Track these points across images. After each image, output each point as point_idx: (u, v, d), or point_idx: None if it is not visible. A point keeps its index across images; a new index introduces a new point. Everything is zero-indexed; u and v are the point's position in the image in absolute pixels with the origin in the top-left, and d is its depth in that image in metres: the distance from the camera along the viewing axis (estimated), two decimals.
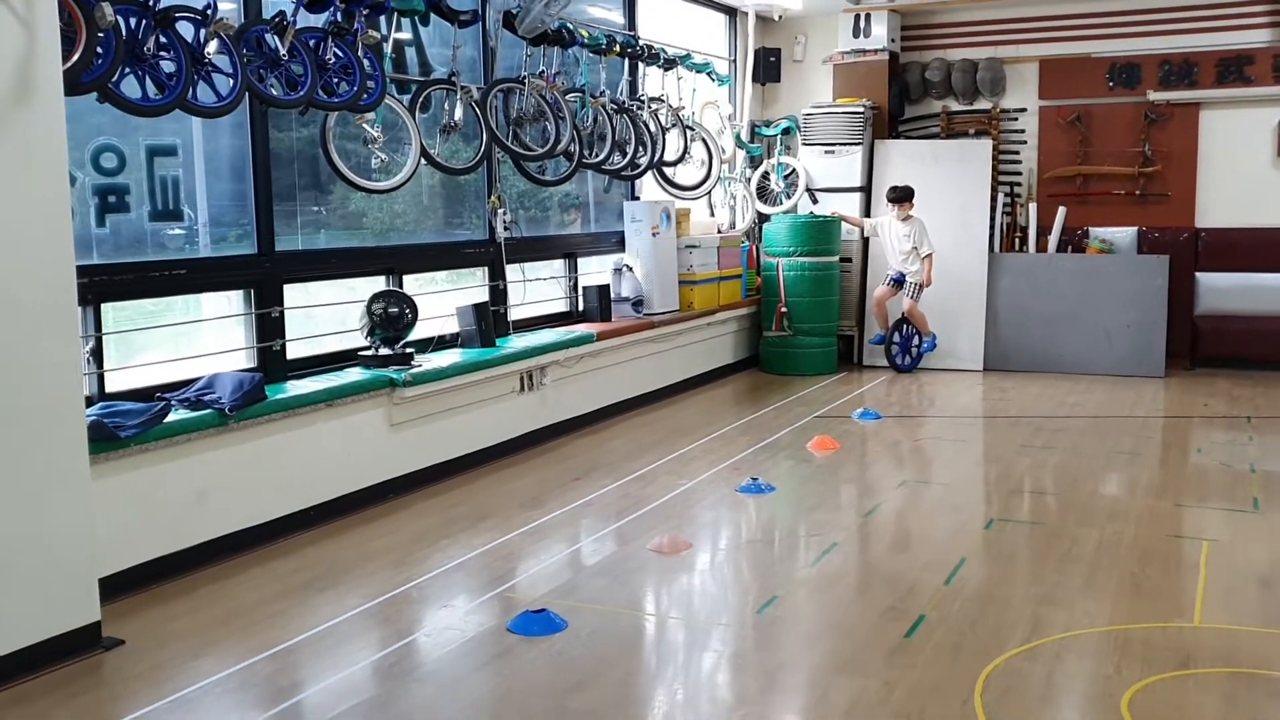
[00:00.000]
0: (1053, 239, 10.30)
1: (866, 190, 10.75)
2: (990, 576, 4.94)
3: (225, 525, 5.23)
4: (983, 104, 10.79)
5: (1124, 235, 10.27)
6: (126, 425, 4.70)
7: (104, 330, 5.07)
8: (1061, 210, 10.27)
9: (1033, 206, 10.48)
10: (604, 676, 3.91)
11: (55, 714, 3.68)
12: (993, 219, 10.44)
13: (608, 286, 8.72)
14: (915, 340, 10.22)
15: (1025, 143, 10.67)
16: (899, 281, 9.92)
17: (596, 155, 8.04)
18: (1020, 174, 10.70)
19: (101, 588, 4.32)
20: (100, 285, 5.00)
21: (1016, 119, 10.69)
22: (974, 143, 10.64)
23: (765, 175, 10.91)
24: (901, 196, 9.84)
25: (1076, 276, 10.18)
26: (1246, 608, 4.52)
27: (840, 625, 4.43)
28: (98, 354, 5.03)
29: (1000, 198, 10.57)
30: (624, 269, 8.89)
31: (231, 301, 5.92)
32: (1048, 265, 10.28)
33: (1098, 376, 9.85)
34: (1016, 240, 10.55)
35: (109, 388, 5.11)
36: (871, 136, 10.74)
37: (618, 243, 9.14)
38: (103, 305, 5.05)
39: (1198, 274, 10.19)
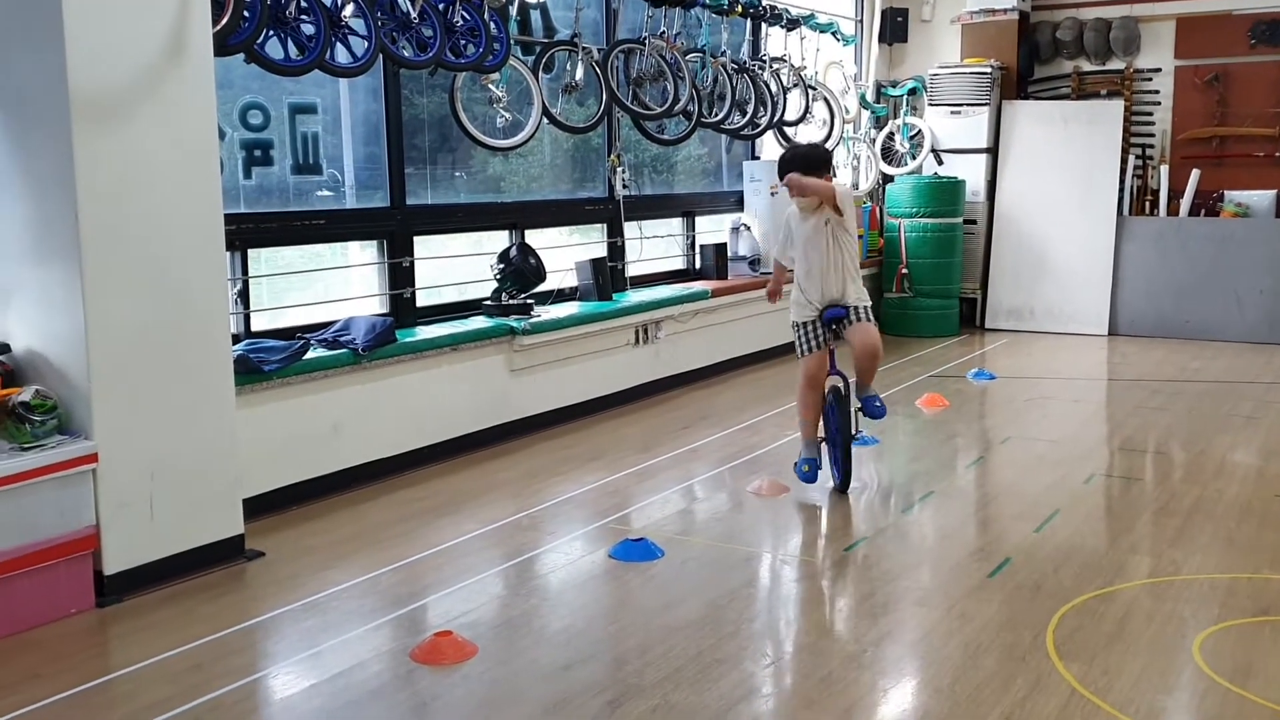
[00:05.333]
0: (1185, 202, 10.04)
1: (993, 152, 10.66)
2: (1081, 527, 5.01)
3: (357, 456, 5.67)
4: (1115, 64, 10.54)
5: (1262, 198, 9.93)
6: (270, 360, 5.16)
7: (249, 274, 5.54)
8: (1195, 172, 10.00)
9: (1165, 169, 10.22)
10: (692, 599, 4.18)
11: (202, 610, 4.14)
12: (1122, 182, 10.23)
13: (725, 245, 8.92)
14: (845, 414, 5.44)
15: (1159, 104, 10.39)
16: (836, 320, 5.36)
17: (716, 115, 8.22)
18: (1153, 136, 10.44)
19: (246, 507, 4.78)
20: (246, 233, 5.46)
21: (1150, 79, 10.41)
22: (1105, 104, 10.42)
23: (890, 136, 10.92)
24: (812, 164, 5.34)
25: (1209, 240, 9.93)
26: None
27: (925, 564, 4.60)
28: (244, 295, 5.51)
29: (1131, 160, 10.34)
30: (741, 228, 9.07)
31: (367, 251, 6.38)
32: (1179, 229, 10.05)
33: (1227, 343, 9.62)
34: (1147, 204, 10.32)
35: (256, 327, 5.60)
36: (999, 97, 10.62)
37: (736, 202, 9.33)
38: (249, 251, 5.52)
39: None
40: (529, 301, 6.79)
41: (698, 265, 8.88)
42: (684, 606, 4.11)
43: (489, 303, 6.72)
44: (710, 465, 6.09)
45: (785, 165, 5.44)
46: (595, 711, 3.32)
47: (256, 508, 5.00)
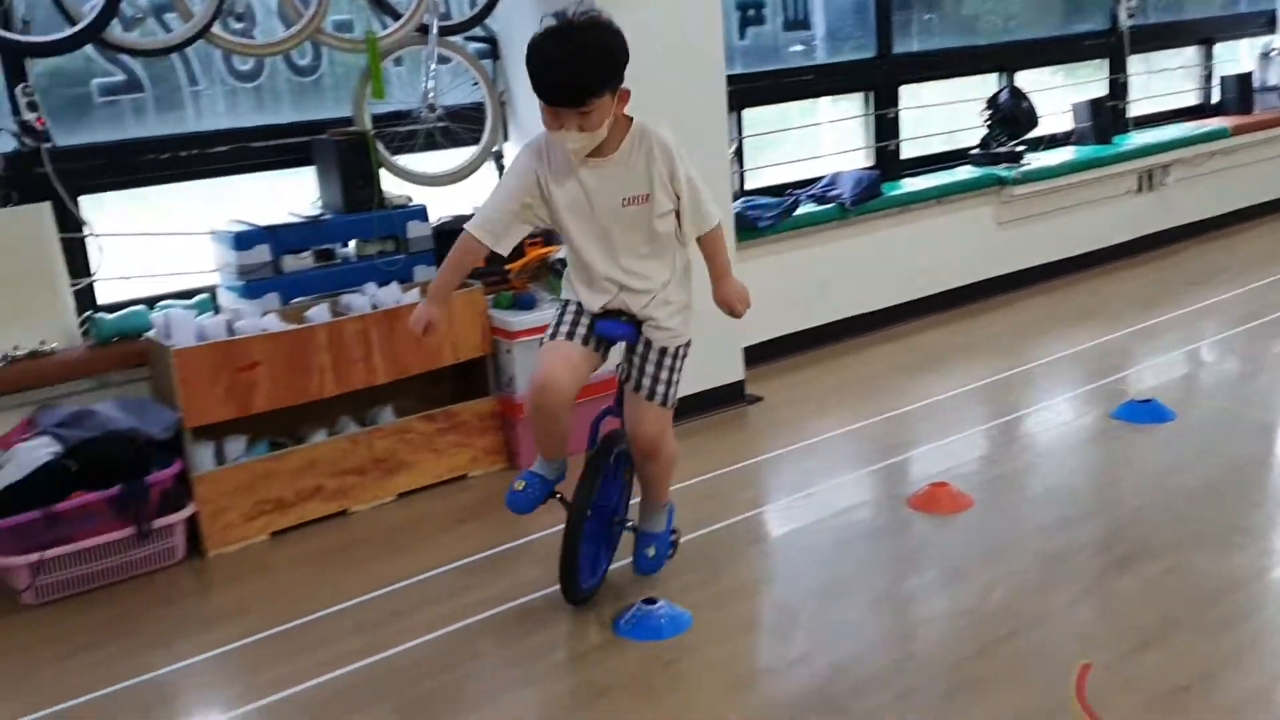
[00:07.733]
0: None
1: None
2: None
3: (844, 310, 5.81)
4: None
5: None
6: (764, 216, 5.38)
7: (743, 134, 5.76)
8: None
9: None
10: (1206, 465, 3.90)
11: (711, 446, 4.51)
12: None
13: (1249, 75, 7.89)
14: (629, 520, 3.39)
15: None
16: (610, 340, 3.15)
17: None
18: None
19: (745, 355, 5.10)
20: (741, 93, 5.65)
21: None
22: None
23: None
24: (603, 77, 2.70)
25: None
26: None
27: None
28: (739, 154, 5.75)
29: None
30: (1273, 54, 7.97)
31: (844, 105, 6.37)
32: None
33: None
34: None
35: (746, 185, 5.85)
36: None
37: (1266, 23, 8.18)
38: (742, 111, 5.72)
39: None
40: (1019, 149, 6.48)
41: (1215, 100, 7.95)
42: (1197, 471, 3.85)
43: (976, 152, 6.50)
44: (1225, 325, 5.56)
45: (545, 83, 2.72)
46: (1100, 568, 3.25)
47: (754, 356, 5.30)
